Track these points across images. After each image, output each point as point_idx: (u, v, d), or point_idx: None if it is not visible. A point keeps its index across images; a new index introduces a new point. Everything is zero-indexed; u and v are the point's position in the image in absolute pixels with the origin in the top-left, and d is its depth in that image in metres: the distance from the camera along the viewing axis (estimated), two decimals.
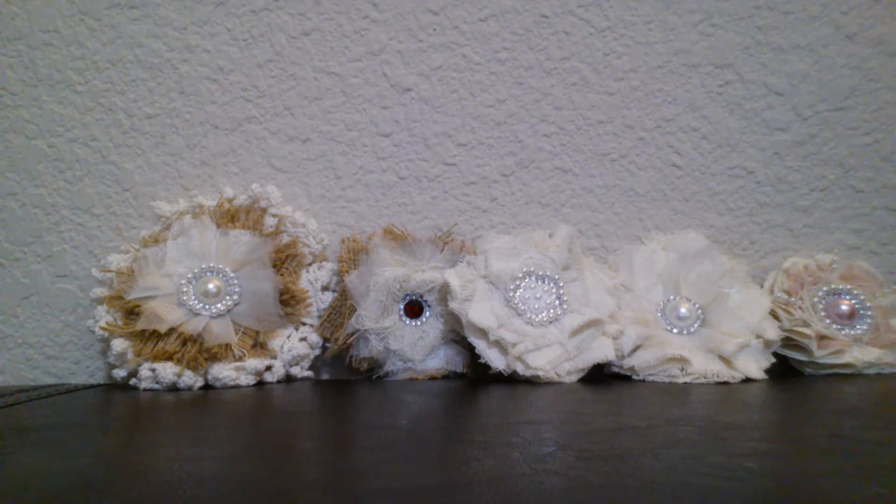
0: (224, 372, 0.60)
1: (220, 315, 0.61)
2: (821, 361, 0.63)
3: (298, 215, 0.68)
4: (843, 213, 0.72)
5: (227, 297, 0.62)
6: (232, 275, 0.62)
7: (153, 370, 0.59)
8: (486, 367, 0.60)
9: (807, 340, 0.63)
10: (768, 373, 0.62)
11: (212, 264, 0.63)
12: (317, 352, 0.66)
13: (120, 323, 0.61)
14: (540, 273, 0.63)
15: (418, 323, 0.64)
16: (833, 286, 0.66)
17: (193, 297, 0.61)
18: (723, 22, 0.71)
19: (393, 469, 0.31)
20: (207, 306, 0.61)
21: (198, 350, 0.60)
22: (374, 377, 0.64)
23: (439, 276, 0.63)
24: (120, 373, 0.62)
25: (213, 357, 0.60)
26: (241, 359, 0.61)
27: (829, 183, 0.72)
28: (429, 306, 0.64)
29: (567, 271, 0.64)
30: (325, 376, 0.69)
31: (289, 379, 0.65)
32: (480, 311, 0.60)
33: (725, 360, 0.62)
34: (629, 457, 0.33)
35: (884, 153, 0.72)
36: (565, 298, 0.62)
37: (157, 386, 0.59)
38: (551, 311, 0.62)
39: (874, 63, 0.71)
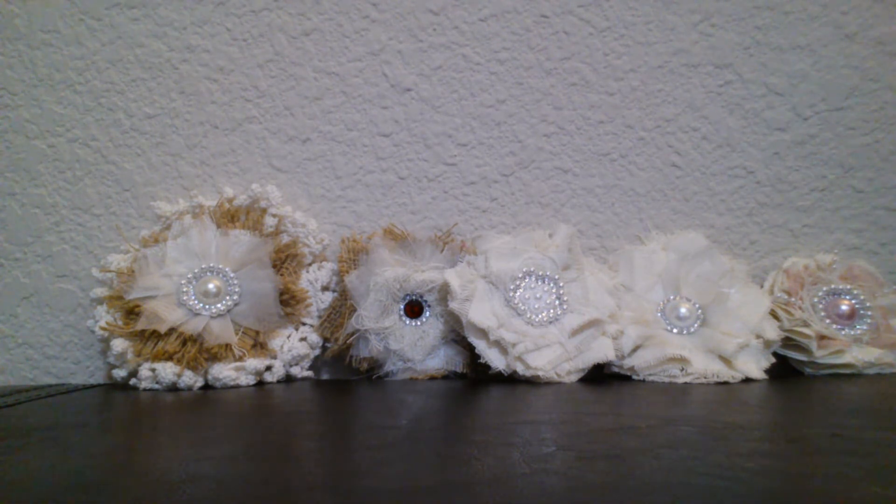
0: (224, 372, 0.60)
1: (220, 315, 0.61)
2: (821, 361, 0.63)
3: (298, 215, 0.68)
4: (843, 213, 0.72)
5: (227, 297, 0.62)
6: (232, 275, 0.62)
7: (153, 370, 0.59)
8: (486, 367, 0.60)
9: (807, 340, 0.63)
10: (768, 373, 0.62)
11: (212, 264, 0.63)
12: (317, 352, 0.66)
13: (120, 323, 0.61)
14: (540, 273, 0.63)
15: (418, 323, 0.64)
16: (833, 286, 0.66)
17: (193, 297, 0.61)
18: (723, 22, 0.71)
19: (393, 469, 0.31)
20: (207, 306, 0.61)
21: (198, 350, 0.60)
22: (374, 377, 0.64)
23: (439, 276, 0.63)
24: (120, 373, 0.62)
25: (213, 357, 0.60)
26: (241, 359, 0.61)
27: (829, 183, 0.72)
28: (429, 306, 0.64)
29: (567, 271, 0.64)
30: (325, 376, 0.69)
31: (289, 379, 0.65)
32: (480, 311, 0.60)
33: (725, 360, 0.62)
34: (629, 457, 0.33)
35: (884, 153, 0.72)
36: (565, 298, 0.62)
37: (157, 386, 0.59)
38: (551, 311, 0.62)
39: (874, 63, 0.71)
